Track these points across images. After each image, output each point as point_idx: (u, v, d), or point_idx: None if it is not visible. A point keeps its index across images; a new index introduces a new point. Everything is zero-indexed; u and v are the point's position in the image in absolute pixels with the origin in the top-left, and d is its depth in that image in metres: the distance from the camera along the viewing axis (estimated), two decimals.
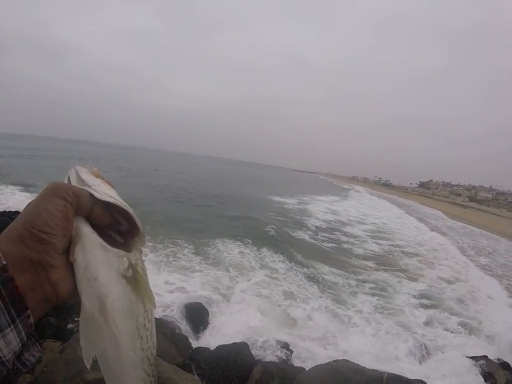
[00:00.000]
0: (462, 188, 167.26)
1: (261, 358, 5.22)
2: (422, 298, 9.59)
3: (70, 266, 0.47)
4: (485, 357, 6.48)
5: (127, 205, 0.51)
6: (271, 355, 5.37)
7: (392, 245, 16.69)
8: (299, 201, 30.62)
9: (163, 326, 4.94)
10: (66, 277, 0.46)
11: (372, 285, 10.04)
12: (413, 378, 4.93)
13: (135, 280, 0.49)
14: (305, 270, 10.32)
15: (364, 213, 29.90)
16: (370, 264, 12.53)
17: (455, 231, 29.98)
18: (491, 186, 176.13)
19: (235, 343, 5.01)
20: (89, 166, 0.57)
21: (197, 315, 6.10)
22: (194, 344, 5.18)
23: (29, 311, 0.42)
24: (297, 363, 5.39)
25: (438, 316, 8.54)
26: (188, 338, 5.06)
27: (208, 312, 6.36)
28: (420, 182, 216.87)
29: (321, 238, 16.01)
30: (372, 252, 14.59)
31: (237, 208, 20.39)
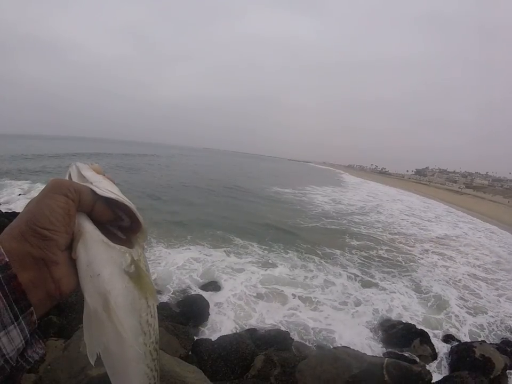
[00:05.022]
0: (458, 175, 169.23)
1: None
2: None
3: (73, 263, 0.48)
4: (483, 342, 6.79)
5: (129, 201, 0.53)
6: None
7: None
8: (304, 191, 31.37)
9: (164, 319, 5.08)
10: (69, 274, 0.48)
11: None
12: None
13: (138, 276, 0.51)
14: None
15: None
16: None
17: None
18: (487, 173, 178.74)
19: (236, 332, 5.29)
20: (90, 162, 0.58)
21: (198, 307, 6.35)
22: (197, 335, 5.43)
23: (32, 308, 0.43)
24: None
25: None
26: (189, 330, 5.24)
27: (208, 304, 6.65)
28: (416, 169, 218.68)
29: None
30: None
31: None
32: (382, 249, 13.95)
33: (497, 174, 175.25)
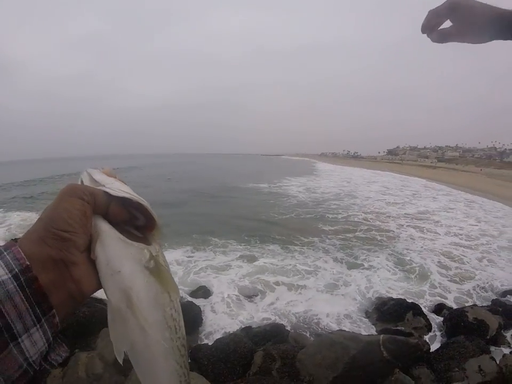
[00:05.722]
0: (429, 150, 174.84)
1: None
2: None
3: (93, 263, 0.49)
4: (474, 305, 6.91)
5: (143, 199, 0.53)
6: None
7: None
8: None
9: None
10: (90, 274, 0.48)
11: None
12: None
13: (158, 270, 0.51)
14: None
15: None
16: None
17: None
18: (457, 145, 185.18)
19: (232, 333, 5.29)
20: (100, 167, 0.59)
21: (190, 314, 6.25)
22: (193, 342, 5.41)
23: (54, 310, 0.43)
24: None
25: None
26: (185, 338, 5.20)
27: (200, 308, 6.62)
28: (387, 149, 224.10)
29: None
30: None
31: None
32: (361, 230, 14.21)
33: (467, 145, 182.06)
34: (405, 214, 18.85)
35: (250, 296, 7.50)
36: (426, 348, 5.02)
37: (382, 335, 4.83)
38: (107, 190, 0.51)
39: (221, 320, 6.43)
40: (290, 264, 9.57)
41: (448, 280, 9.16)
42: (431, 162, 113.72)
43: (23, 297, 0.40)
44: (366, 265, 9.86)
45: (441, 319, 6.81)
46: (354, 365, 4.05)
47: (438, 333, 6.42)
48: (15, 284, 0.40)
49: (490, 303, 7.79)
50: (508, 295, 8.26)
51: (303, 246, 11.55)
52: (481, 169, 66.62)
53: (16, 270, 0.41)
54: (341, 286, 8.25)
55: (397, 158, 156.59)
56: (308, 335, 5.98)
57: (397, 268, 9.82)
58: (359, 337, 4.83)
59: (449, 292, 8.47)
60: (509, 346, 6.00)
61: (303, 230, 13.79)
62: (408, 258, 10.65)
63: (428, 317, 6.74)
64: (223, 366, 4.53)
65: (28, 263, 0.41)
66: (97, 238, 0.49)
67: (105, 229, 0.50)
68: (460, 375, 4.57)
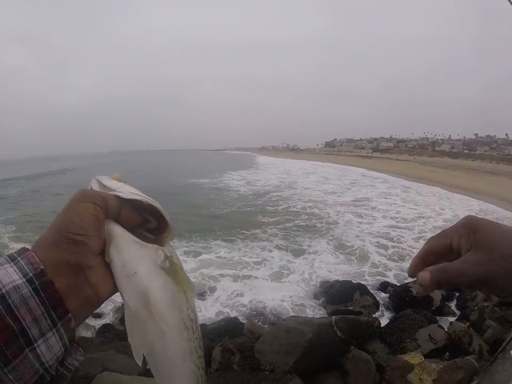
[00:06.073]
0: (364, 141, 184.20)
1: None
2: None
3: (108, 267, 0.48)
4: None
5: (154, 200, 0.52)
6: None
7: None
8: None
9: (112, 341, 5.04)
10: (105, 277, 0.47)
11: None
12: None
13: (174, 270, 0.50)
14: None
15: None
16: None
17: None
18: (391, 136, 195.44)
19: None
20: (110, 173, 0.58)
21: None
22: None
23: (70, 314, 0.42)
24: None
25: None
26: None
27: None
28: (325, 142, 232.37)
29: None
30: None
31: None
32: (301, 219, 14.66)
33: (400, 136, 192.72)
34: (343, 201, 19.73)
35: (199, 294, 7.27)
36: (377, 324, 5.20)
37: (333, 316, 4.89)
38: (118, 193, 0.51)
39: None
40: (235, 257, 9.55)
41: (387, 259, 9.71)
42: (367, 153, 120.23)
43: (38, 301, 0.39)
44: (309, 251, 10.12)
45: (387, 295, 7.14)
46: (312, 347, 4.06)
47: (386, 309, 6.70)
48: (30, 288, 0.39)
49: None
50: None
51: (247, 238, 11.58)
52: (414, 158, 71.74)
53: (30, 274, 0.40)
54: (288, 273, 8.35)
55: (335, 150, 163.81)
56: (262, 324, 5.93)
57: (339, 251, 10.23)
58: (313, 320, 4.89)
59: (390, 270, 8.97)
60: (454, 315, 6.41)
61: (245, 222, 13.85)
62: (349, 242, 11.13)
63: (375, 295, 7.01)
64: None
65: (42, 267, 0.41)
66: (111, 241, 0.48)
67: (118, 231, 0.49)
68: (412, 345, 4.78)
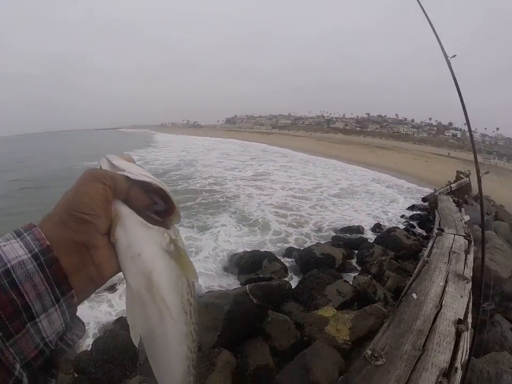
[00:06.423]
0: (264, 118, 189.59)
1: None
2: None
3: (113, 247, 0.48)
4: (319, 243, 7.78)
5: (163, 183, 0.52)
6: None
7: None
8: None
9: None
10: (110, 258, 0.48)
11: None
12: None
13: (178, 254, 0.50)
14: None
15: None
16: None
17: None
18: (289, 114, 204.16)
19: (106, 330, 4.93)
20: (120, 153, 0.57)
21: None
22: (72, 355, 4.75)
23: (73, 291, 0.42)
24: None
25: None
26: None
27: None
28: (225, 118, 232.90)
29: None
30: None
31: None
32: (203, 197, 14.57)
33: (298, 113, 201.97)
34: (244, 176, 20.20)
35: (111, 286, 6.42)
36: (288, 286, 5.51)
37: (247, 285, 5.02)
38: (127, 174, 0.50)
39: (87, 322, 5.54)
40: None
41: (286, 226, 10.33)
42: (267, 129, 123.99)
43: (42, 277, 0.39)
44: (214, 226, 10.17)
45: (293, 260, 7.58)
46: (232, 318, 4.12)
47: (294, 272, 7.08)
48: (35, 263, 0.39)
49: (331, 240, 9.07)
50: (344, 232, 9.81)
51: None
52: (310, 134, 76.11)
53: (36, 250, 0.40)
54: (196, 251, 8.26)
55: (235, 126, 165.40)
56: None
57: (242, 223, 10.51)
58: (228, 292, 4.97)
59: (291, 235, 9.57)
60: (356, 270, 7.09)
61: None
62: (250, 214, 11.51)
63: (282, 261, 7.36)
64: (111, 366, 4.32)
65: (48, 243, 0.41)
66: (118, 221, 0.48)
67: (126, 212, 0.49)
68: (323, 300, 5.14)
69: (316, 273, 5.91)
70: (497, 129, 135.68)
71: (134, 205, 0.51)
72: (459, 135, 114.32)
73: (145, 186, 0.51)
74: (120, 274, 0.50)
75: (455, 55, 2.70)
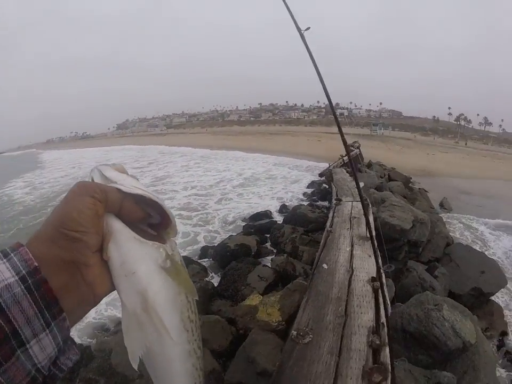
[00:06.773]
0: (157, 119, 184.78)
1: None
2: None
3: (105, 264, 0.46)
4: (231, 235, 7.76)
5: (157, 196, 0.50)
6: None
7: None
8: None
9: None
10: (103, 276, 0.45)
11: None
12: None
13: (175, 271, 0.48)
14: None
15: None
16: None
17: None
18: (183, 111, 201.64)
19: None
20: (112, 163, 0.54)
21: None
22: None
23: (64, 314, 0.40)
24: None
25: None
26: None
27: None
28: (117, 124, 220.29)
29: None
30: None
31: None
32: None
33: (192, 110, 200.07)
34: (142, 183, 19.26)
35: None
36: (211, 286, 5.46)
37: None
38: (119, 187, 0.48)
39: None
40: None
41: (192, 227, 10.20)
42: (161, 130, 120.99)
43: (31, 300, 0.37)
44: None
45: (210, 259, 7.46)
46: None
47: (213, 270, 6.94)
48: (23, 286, 0.37)
49: (242, 229, 9.15)
50: (253, 220, 9.98)
51: None
52: (206, 130, 76.30)
53: (23, 271, 0.38)
54: None
55: (128, 131, 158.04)
56: (108, 337, 5.14)
57: None
58: None
59: (199, 234, 9.48)
60: (272, 253, 7.27)
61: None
62: None
63: (199, 262, 7.21)
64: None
65: (36, 264, 0.39)
66: (110, 237, 0.46)
67: (118, 227, 0.47)
68: (248, 290, 5.15)
69: (234, 266, 5.90)
70: (381, 103, 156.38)
71: (127, 219, 0.48)
72: (346, 114, 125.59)
73: (138, 199, 0.48)
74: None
75: (308, 28, 2.65)
